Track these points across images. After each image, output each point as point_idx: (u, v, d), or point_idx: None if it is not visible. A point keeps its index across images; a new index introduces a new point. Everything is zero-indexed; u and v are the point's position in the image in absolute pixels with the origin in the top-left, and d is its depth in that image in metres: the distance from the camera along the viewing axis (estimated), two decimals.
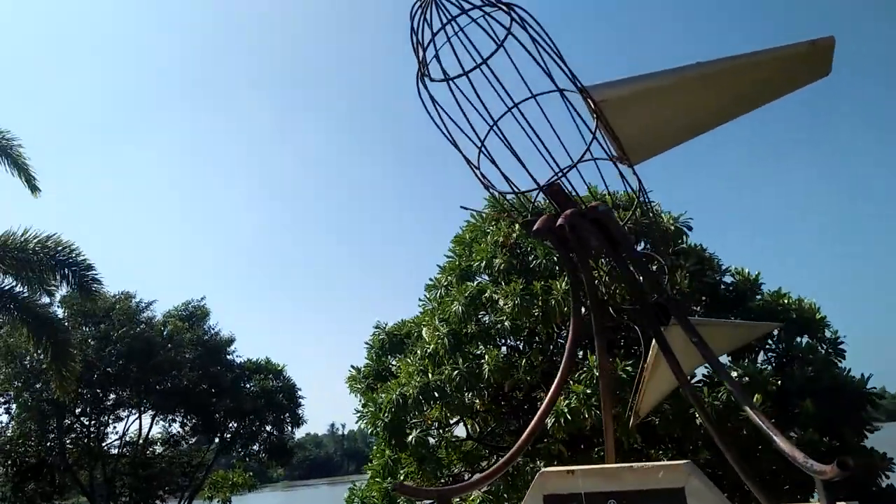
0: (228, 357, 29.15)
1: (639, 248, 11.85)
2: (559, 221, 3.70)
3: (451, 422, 12.21)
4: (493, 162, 4.54)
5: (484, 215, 12.02)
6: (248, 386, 28.03)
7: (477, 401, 11.31)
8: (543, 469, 4.23)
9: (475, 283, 11.58)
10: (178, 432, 28.18)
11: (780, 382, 9.31)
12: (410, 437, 11.31)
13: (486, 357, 10.20)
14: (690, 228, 11.31)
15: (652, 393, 6.92)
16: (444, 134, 4.20)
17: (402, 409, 10.76)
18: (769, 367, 10.50)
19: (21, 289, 13.56)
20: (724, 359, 10.86)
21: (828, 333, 11.81)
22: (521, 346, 10.72)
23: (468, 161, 4.31)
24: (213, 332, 28.35)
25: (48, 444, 25.05)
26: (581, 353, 9.86)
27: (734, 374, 9.40)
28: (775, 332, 11.89)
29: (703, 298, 11.11)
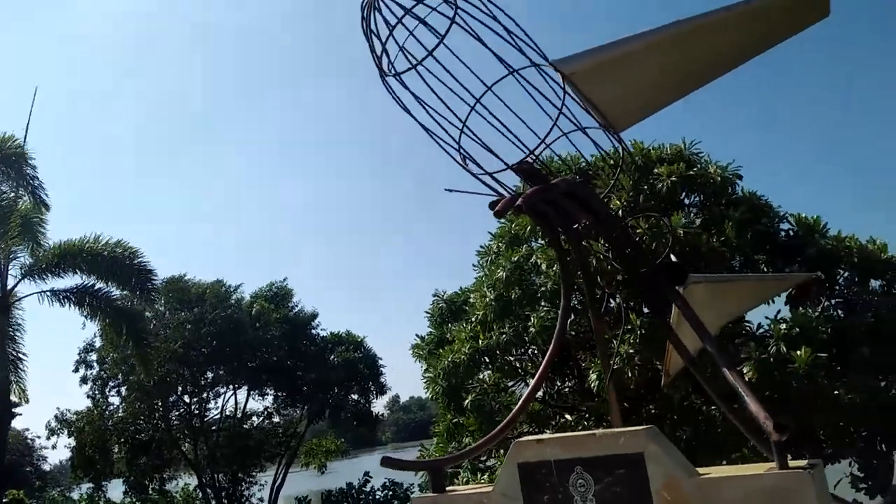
0: (312, 332, 30.54)
1: (687, 201, 11.63)
2: (518, 202, 3.83)
3: (509, 384, 12.51)
4: (483, 143, 4.68)
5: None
6: (331, 358, 29.33)
7: (528, 364, 11.56)
8: (518, 439, 4.43)
9: (523, 247, 11.73)
10: (271, 405, 29.92)
11: (830, 330, 9.02)
12: (466, 401, 11.71)
13: (533, 320, 10.39)
14: (740, 177, 10.97)
15: (687, 345, 6.93)
16: (418, 122, 4.38)
17: (455, 375, 11.15)
18: (835, 314, 10.17)
19: (102, 286, 14.93)
20: (782, 306, 10.58)
21: None
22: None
23: (444, 146, 4.49)
24: (296, 309, 29.75)
25: (155, 421, 27.27)
26: (626, 312, 9.86)
27: (783, 325, 9.18)
28: (844, 277, 11.44)
29: (755, 249, 10.81)
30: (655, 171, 10.68)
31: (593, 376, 9.43)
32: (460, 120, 4.48)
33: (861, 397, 8.72)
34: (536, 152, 4.78)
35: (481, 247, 12.94)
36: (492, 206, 4.17)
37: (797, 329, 9.15)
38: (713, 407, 9.91)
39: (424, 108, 4.28)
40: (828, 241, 10.83)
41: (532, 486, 4.04)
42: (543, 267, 10.61)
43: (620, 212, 10.43)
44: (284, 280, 30.39)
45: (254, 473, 28.56)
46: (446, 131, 4.40)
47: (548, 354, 5.44)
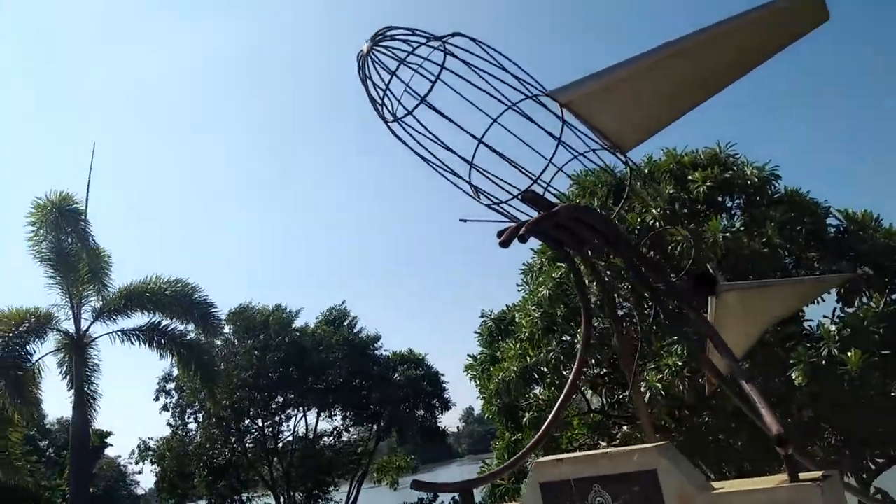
0: (376, 353, 31.19)
1: (729, 203, 11.47)
2: (521, 231, 4.01)
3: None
4: (486, 175, 4.90)
5: (570, 194, 12.12)
6: (395, 377, 29.86)
7: (581, 379, 11.59)
8: (537, 459, 4.57)
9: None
10: (339, 425, 30.64)
11: (885, 329, 8.73)
12: (525, 418, 11.82)
13: (579, 336, 10.45)
14: (778, 177, 10.80)
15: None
16: (427, 162, 4.63)
17: (507, 393, 11.30)
18: (890, 308, 9.81)
19: (168, 322, 15.88)
20: (832, 303, 10.28)
21: None
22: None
23: (456, 182, 4.73)
24: (356, 331, 30.46)
25: (232, 445, 28.35)
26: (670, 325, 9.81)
27: (833, 327, 8.94)
28: None
29: (802, 248, 10.57)
30: (690, 177, 10.64)
31: (642, 389, 9.42)
32: (465, 160, 4.72)
33: None
34: (542, 179, 4.96)
35: (524, 264, 13.09)
36: (499, 235, 4.37)
37: (848, 330, 8.93)
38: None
39: (428, 147, 4.53)
40: (881, 236, 10.51)
41: (554, 503, 4.19)
42: (586, 282, 10.70)
43: (657, 222, 10.43)
44: (343, 303, 31.19)
45: (328, 490, 29.26)
46: (447, 166, 4.64)
47: (572, 375, 5.58)
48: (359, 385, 29.14)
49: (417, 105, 4.31)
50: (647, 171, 11.96)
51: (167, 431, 29.72)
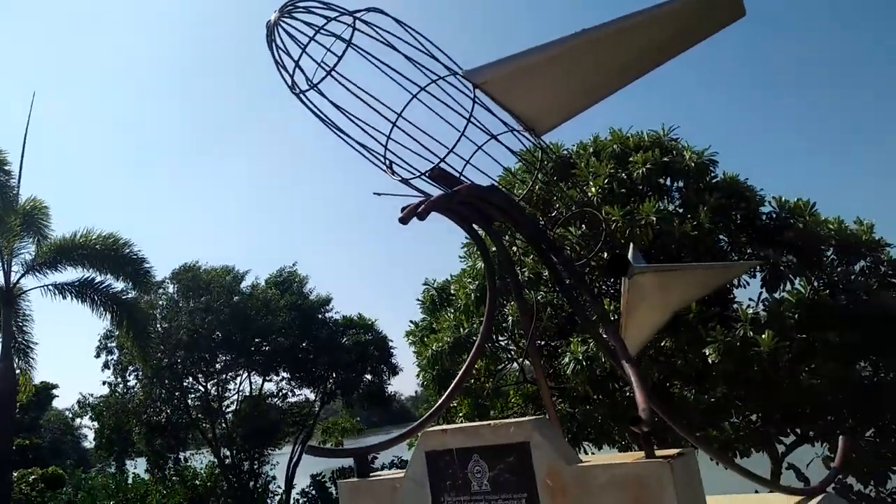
0: (327, 315, 31.07)
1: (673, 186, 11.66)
2: (419, 210, 4.03)
3: (498, 368, 12.78)
4: (377, 159, 4.86)
5: (515, 171, 12.15)
6: (343, 341, 29.84)
7: (512, 350, 11.81)
8: (425, 429, 4.69)
9: (505, 238, 11.92)
10: (285, 387, 30.61)
11: (800, 314, 9.09)
12: None
13: (508, 308, 10.61)
14: (716, 163, 11.02)
15: (633, 336, 7.11)
16: (339, 136, 4.59)
17: (440, 361, 11.43)
18: (816, 294, 10.18)
19: (102, 279, 15.52)
20: (755, 291, 10.65)
21: (892, 254, 11.27)
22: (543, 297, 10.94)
23: (367, 155, 4.70)
24: (307, 294, 30.24)
25: (174, 404, 28.13)
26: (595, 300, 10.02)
27: (749, 309, 9.29)
28: (832, 257, 11.42)
29: (734, 233, 10.86)
30: (631, 158, 10.78)
31: (566, 360, 9.65)
32: (381, 134, 4.68)
33: (825, 382, 8.84)
34: (463, 157, 4.97)
35: (466, 237, 13.12)
36: (402, 211, 4.37)
37: (765, 312, 9.28)
38: (686, 389, 10.10)
39: (350, 121, 4.48)
40: (807, 223, 10.86)
41: (437, 472, 4.34)
42: (519, 257, 10.82)
43: (596, 199, 10.57)
44: (294, 265, 30.84)
45: (268, 452, 29.34)
46: (361, 144, 4.60)
47: (475, 347, 5.67)
48: (306, 348, 29.07)
49: (324, 77, 4.25)
50: (591, 149, 12.08)
51: (107, 388, 29.33)
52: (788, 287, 10.15)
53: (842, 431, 9.07)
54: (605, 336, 5.66)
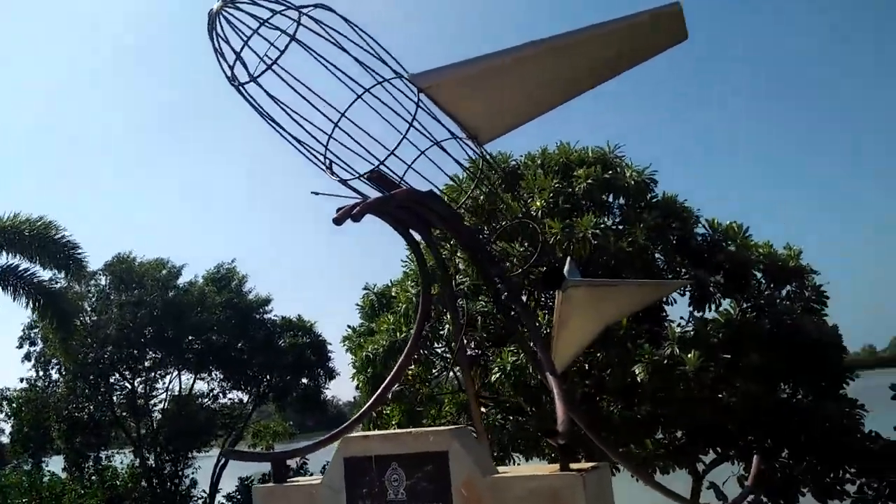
0: (266, 316, 30.42)
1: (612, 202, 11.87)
2: (353, 212, 3.98)
3: (433, 374, 12.74)
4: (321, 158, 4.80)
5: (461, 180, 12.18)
6: (280, 343, 29.26)
7: (448, 357, 11.80)
8: (346, 435, 4.64)
9: (448, 245, 11.92)
10: (216, 387, 29.79)
11: (724, 335, 9.40)
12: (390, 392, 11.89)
13: (447, 316, 10.60)
14: (655, 182, 11.31)
15: (564, 348, 7.20)
16: (277, 131, 4.50)
17: (375, 366, 11.34)
18: (738, 318, 10.51)
19: (27, 266, 14.70)
20: (685, 309, 10.93)
21: (816, 281, 11.74)
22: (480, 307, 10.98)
23: (308, 154, 4.62)
24: (245, 293, 29.57)
25: (97, 400, 26.99)
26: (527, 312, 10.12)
27: (678, 328, 9.55)
28: (761, 280, 11.82)
29: (668, 252, 11.15)
30: (575, 173, 10.96)
31: (495, 369, 9.70)
32: (324, 132, 4.61)
33: (746, 403, 9.14)
34: (404, 161, 4.94)
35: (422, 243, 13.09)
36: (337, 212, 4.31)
37: (692, 332, 9.55)
38: (614, 405, 10.29)
39: (292, 118, 4.38)
40: (738, 247, 11.25)
41: (354, 478, 4.29)
42: (462, 266, 10.84)
43: (540, 213, 10.69)
44: (233, 262, 30.10)
45: (193, 454, 28.45)
46: (296, 139, 4.52)
47: (405, 352, 5.64)
48: (240, 348, 28.39)
49: (264, 70, 4.16)
50: (539, 161, 12.22)
51: (25, 384, 27.92)
52: (717, 307, 10.48)
53: (759, 451, 9.38)
54: (534, 348, 5.71)
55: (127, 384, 27.90)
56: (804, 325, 10.43)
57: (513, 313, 5.60)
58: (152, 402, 29.06)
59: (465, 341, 11.94)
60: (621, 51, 4.91)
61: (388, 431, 5.04)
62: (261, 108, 4.44)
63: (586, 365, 10.16)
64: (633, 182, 10.80)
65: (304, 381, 30.88)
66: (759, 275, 11.57)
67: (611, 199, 11.63)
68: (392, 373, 5.69)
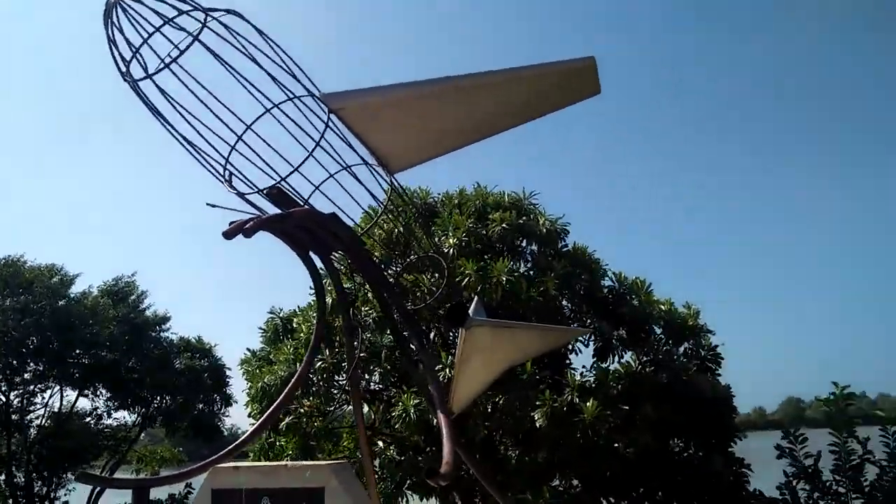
0: (163, 334, 28.93)
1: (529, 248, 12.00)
2: (246, 226, 3.78)
3: (329, 408, 12.32)
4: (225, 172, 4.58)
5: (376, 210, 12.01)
6: (176, 364, 27.82)
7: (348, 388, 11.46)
8: (215, 465, 4.35)
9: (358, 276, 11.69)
10: (101, 406, 27.89)
11: (624, 386, 9.58)
12: (283, 423, 11.41)
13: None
14: (567, 231, 11.55)
15: (464, 388, 7.06)
16: (174, 136, 4.24)
17: (271, 395, 10.86)
18: (642, 369, 10.74)
19: None
20: (588, 359, 11.10)
21: (711, 341, 12.19)
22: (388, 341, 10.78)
23: (207, 165, 4.38)
24: (141, 308, 28.08)
25: None
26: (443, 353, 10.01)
27: (578, 377, 9.66)
28: (660, 336, 12.17)
29: (576, 302, 11.34)
30: (490, 216, 11.04)
31: (398, 411, 9.49)
32: (227, 143, 4.38)
33: (641, 454, 9.28)
34: (311, 181, 4.76)
35: (321, 269, 12.74)
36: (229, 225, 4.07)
37: (592, 382, 9.67)
38: (512, 449, 10.24)
39: (192, 124, 4.14)
40: (641, 301, 11.58)
41: None
42: (370, 296, 10.63)
43: (452, 251, 10.66)
44: (133, 275, 28.56)
45: (69, 476, 26.35)
46: (193, 146, 4.27)
47: (294, 378, 5.39)
48: (132, 367, 26.79)
49: (162, 69, 3.92)
50: (456, 201, 12.27)
51: None
52: (619, 359, 10.70)
53: (650, 502, 9.51)
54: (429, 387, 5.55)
55: (1, 396, 25.72)
56: (699, 383, 10.78)
57: (414, 349, 5.43)
58: (28, 417, 26.89)
59: (368, 374, 11.68)
60: (532, 98, 4.94)
61: (260, 463, 4.75)
62: (156, 108, 4.17)
63: (488, 407, 10.08)
64: (545, 230, 10.98)
65: (200, 405, 29.43)
66: (658, 330, 11.93)
67: (523, 245, 11.79)
68: (279, 399, 5.39)
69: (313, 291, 12.73)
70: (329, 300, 10.60)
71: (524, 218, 11.03)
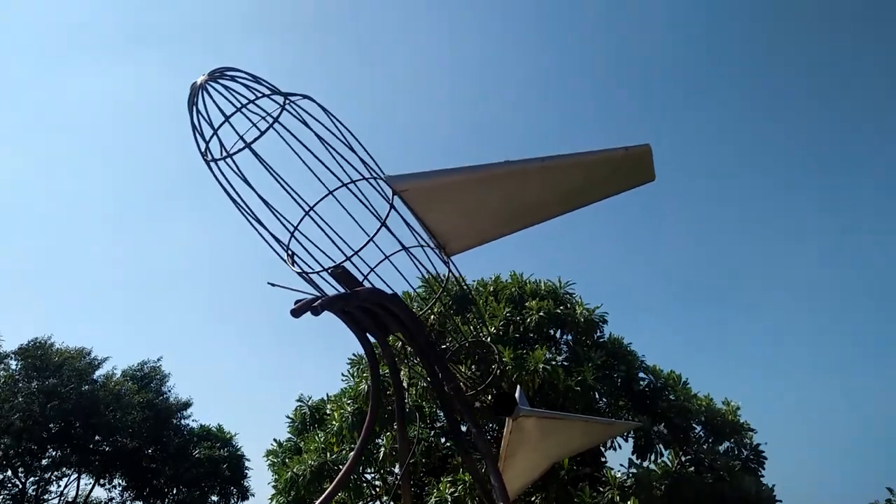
0: (184, 421, 28.58)
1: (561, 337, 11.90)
2: (314, 304, 3.79)
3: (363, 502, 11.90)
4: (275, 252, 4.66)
5: (415, 292, 12.05)
6: (195, 453, 27.29)
7: (378, 486, 11.09)
8: None
9: None
10: (117, 497, 27.19)
11: (666, 486, 9.17)
12: None
13: (384, 440, 10.09)
14: (605, 321, 11.45)
15: (513, 479, 6.82)
16: (247, 218, 4.36)
17: (297, 487, 10.56)
18: (683, 469, 10.33)
19: None
20: (625, 456, 10.73)
21: (754, 439, 11.76)
22: (422, 429, 10.56)
23: (272, 242, 4.47)
24: (165, 394, 27.89)
25: None
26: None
27: (619, 474, 9.28)
28: (700, 433, 11.79)
29: (613, 394, 11.08)
30: (527, 304, 11.03)
31: (433, 496, 9.15)
32: (290, 222, 4.49)
33: None
34: (368, 263, 4.81)
35: (353, 355, 12.64)
36: (295, 304, 4.09)
37: (633, 480, 9.28)
38: None
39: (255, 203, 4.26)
40: (678, 396, 11.30)
41: None
42: (406, 384, 10.48)
43: (490, 339, 10.59)
44: (159, 360, 28.55)
45: None
46: (262, 224, 4.37)
47: (341, 473, 5.23)
48: (151, 455, 26.32)
49: (241, 150, 4.09)
50: (492, 288, 12.30)
51: None
52: (659, 456, 10.32)
53: None
54: (485, 474, 5.36)
55: (18, 482, 25.25)
56: (743, 484, 10.31)
57: (469, 434, 5.26)
58: None
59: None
60: (592, 182, 5.03)
61: None
62: (230, 188, 4.31)
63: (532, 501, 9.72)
64: (582, 319, 10.90)
65: (214, 497, 28.62)
66: (698, 427, 11.58)
67: (559, 335, 11.71)
68: (322, 497, 5.19)
69: (345, 379, 12.69)
70: (365, 385, 10.45)
71: (561, 308, 10.99)
